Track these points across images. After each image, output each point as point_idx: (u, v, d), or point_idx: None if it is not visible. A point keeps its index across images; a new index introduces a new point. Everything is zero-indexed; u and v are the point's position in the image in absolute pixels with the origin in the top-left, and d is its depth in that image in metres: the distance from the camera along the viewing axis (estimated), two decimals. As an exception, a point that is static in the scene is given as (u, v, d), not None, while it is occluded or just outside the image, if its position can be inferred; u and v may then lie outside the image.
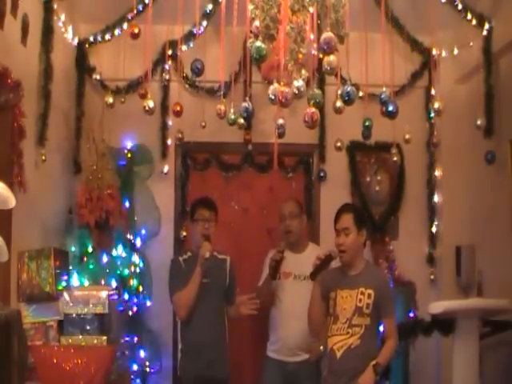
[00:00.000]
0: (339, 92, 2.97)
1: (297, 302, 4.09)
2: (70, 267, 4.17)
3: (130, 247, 4.81)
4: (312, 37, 2.91)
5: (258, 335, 4.87)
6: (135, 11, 4.57)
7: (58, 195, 4.71)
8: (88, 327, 3.65)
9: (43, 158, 4.17)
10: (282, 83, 2.63)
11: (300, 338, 4.14)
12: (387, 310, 3.53)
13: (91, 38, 5.01)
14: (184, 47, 4.84)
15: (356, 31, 3.42)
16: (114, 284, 4.32)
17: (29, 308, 3.67)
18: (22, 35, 3.86)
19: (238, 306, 4.20)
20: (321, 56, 2.77)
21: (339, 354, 3.46)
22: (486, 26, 4.69)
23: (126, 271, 4.62)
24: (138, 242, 4.97)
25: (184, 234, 5.25)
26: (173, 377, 4.98)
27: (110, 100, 4.51)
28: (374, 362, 3.40)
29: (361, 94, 4.31)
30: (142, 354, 4.78)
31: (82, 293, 3.74)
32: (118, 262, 4.59)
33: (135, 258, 4.77)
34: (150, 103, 3.53)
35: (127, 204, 4.90)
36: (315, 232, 5.24)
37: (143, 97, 3.85)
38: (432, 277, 5.31)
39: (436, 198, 5.35)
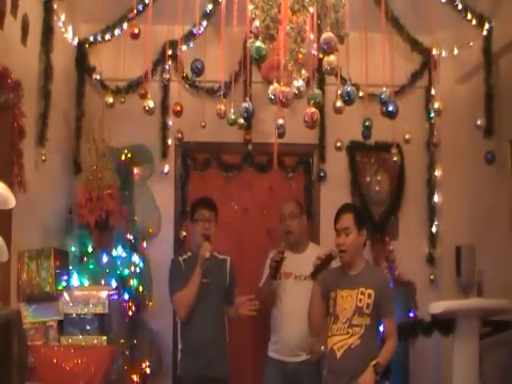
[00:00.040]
0: (339, 92, 2.98)
1: (297, 302, 4.09)
2: (70, 267, 4.17)
3: (130, 247, 4.81)
4: (312, 37, 2.91)
5: (258, 335, 4.87)
6: (135, 11, 4.57)
7: (58, 195, 4.71)
8: (88, 327, 3.65)
9: (43, 157, 4.17)
10: (282, 83, 2.63)
11: (301, 338, 4.14)
12: (387, 310, 3.53)
13: (91, 38, 5.01)
14: (184, 47, 4.84)
15: (356, 31, 3.42)
16: (114, 284, 4.31)
17: (29, 308, 3.68)
18: (22, 35, 3.86)
19: (237, 306, 4.20)
20: (321, 56, 2.77)
21: (339, 354, 3.46)
22: (486, 25, 4.69)
23: (126, 271, 4.61)
24: (138, 242, 4.97)
25: (184, 233, 5.25)
26: (173, 377, 4.98)
27: (110, 100, 4.51)
28: (374, 362, 3.40)
29: (361, 93, 4.31)
30: (142, 354, 4.78)
31: (82, 293, 3.74)
32: (118, 262, 4.58)
33: (135, 258, 4.77)
34: (150, 103, 3.54)
35: (127, 204, 4.90)
36: (315, 232, 5.23)
37: (143, 97, 3.85)
38: (432, 277, 5.31)
39: (436, 198, 5.35)
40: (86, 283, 4.17)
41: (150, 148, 5.23)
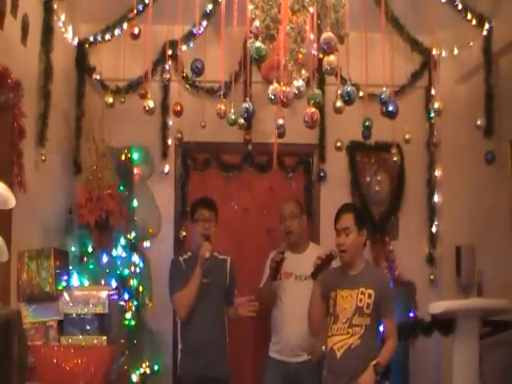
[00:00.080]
0: (339, 92, 2.98)
1: (298, 302, 4.08)
2: (70, 267, 4.17)
3: (130, 247, 4.81)
4: (312, 37, 2.91)
5: (258, 335, 4.87)
6: (135, 11, 4.57)
7: (58, 195, 4.71)
8: (88, 327, 3.64)
9: (43, 158, 4.17)
10: (282, 83, 2.63)
11: (301, 338, 4.14)
12: (387, 310, 3.53)
13: (91, 38, 5.01)
14: (184, 47, 4.84)
15: (356, 31, 3.42)
16: (114, 284, 4.31)
17: (29, 308, 3.67)
18: (22, 35, 3.86)
19: (236, 307, 4.20)
20: (321, 56, 2.77)
21: (339, 354, 3.46)
22: (486, 25, 4.69)
23: (126, 271, 4.61)
24: (138, 242, 4.97)
25: (184, 233, 5.25)
26: (173, 377, 4.98)
27: (110, 100, 4.51)
28: (374, 362, 3.40)
29: (361, 93, 4.31)
30: (142, 354, 4.78)
31: (82, 293, 3.73)
32: (118, 262, 4.58)
33: (135, 258, 4.77)
34: (150, 103, 3.54)
35: (127, 204, 4.89)
36: (315, 232, 5.23)
37: (143, 97, 3.85)
38: (432, 277, 5.31)
39: (436, 198, 5.35)
40: (86, 283, 4.18)
41: (150, 148, 5.22)
